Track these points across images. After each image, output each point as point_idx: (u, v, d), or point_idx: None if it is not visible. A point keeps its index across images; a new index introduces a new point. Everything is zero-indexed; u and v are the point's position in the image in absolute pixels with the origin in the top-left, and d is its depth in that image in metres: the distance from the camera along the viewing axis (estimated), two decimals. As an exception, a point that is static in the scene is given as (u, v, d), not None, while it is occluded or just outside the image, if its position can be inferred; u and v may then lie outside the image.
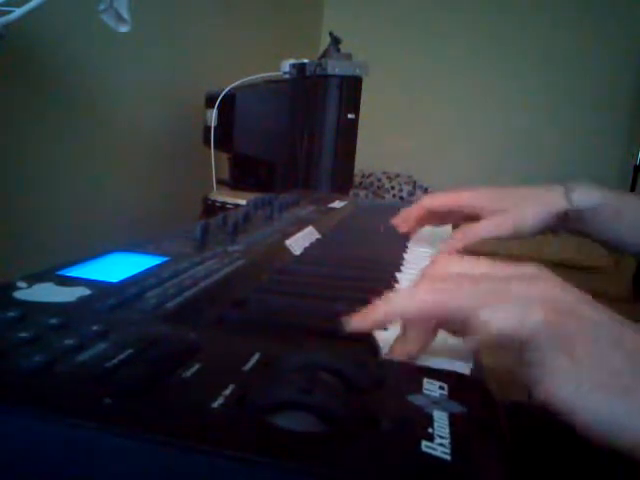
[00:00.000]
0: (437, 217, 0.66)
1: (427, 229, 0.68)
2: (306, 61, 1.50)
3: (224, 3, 1.95)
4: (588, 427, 0.24)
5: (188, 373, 0.22)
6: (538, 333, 0.25)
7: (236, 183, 1.61)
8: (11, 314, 0.26)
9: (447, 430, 0.19)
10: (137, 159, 1.57)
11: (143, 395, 0.19)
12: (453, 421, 0.20)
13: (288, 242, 0.53)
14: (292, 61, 1.54)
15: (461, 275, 0.30)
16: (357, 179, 2.58)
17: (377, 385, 0.22)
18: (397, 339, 0.31)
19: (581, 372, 0.25)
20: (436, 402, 0.21)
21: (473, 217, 0.61)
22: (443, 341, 0.34)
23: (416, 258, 0.56)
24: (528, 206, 0.59)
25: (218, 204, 1.37)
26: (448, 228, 0.71)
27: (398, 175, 2.61)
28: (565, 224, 0.59)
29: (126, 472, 0.18)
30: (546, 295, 0.27)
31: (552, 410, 0.25)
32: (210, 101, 1.52)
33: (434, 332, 0.30)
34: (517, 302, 0.27)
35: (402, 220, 0.66)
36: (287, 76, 1.55)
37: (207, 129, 1.52)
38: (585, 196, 0.58)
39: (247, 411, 0.19)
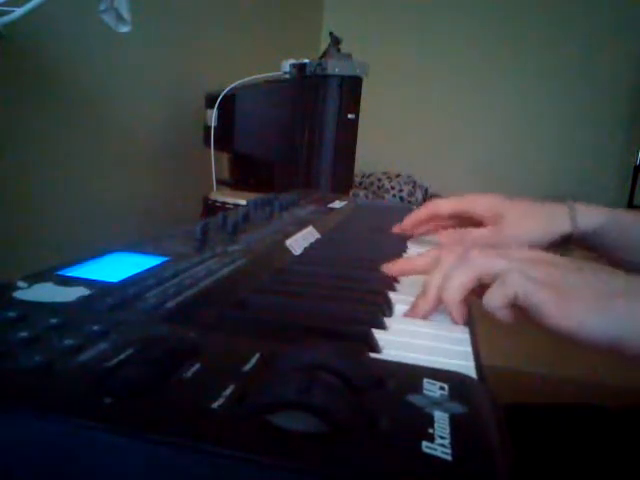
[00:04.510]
0: (444, 222, 0.66)
1: None
2: (306, 61, 1.50)
3: (224, 3, 1.95)
4: (586, 338, 0.33)
5: (188, 373, 0.22)
6: (521, 296, 0.35)
7: (236, 183, 1.61)
8: (11, 314, 0.26)
9: (448, 431, 0.19)
10: (137, 159, 1.57)
11: (143, 395, 0.19)
12: (454, 422, 0.20)
13: (288, 242, 0.53)
14: (292, 61, 1.54)
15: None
16: (357, 179, 2.58)
17: (377, 385, 0.22)
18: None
19: (569, 303, 0.34)
20: (436, 402, 0.21)
21: (478, 225, 0.61)
22: (444, 342, 0.34)
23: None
24: (530, 226, 0.59)
25: (218, 204, 1.37)
26: None
27: (398, 175, 2.62)
28: (569, 244, 0.59)
29: (126, 472, 0.18)
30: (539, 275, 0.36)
31: (562, 333, 0.34)
32: (210, 101, 1.51)
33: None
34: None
35: (409, 223, 0.66)
36: (287, 76, 1.55)
37: (207, 129, 1.52)
38: (589, 217, 0.57)
39: (247, 411, 0.19)
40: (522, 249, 0.41)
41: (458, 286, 0.37)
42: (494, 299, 0.36)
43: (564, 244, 0.59)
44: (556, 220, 0.58)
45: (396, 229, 0.66)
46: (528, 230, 0.58)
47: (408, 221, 0.66)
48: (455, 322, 0.37)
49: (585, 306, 0.34)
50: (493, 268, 0.37)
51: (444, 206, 0.63)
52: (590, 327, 0.33)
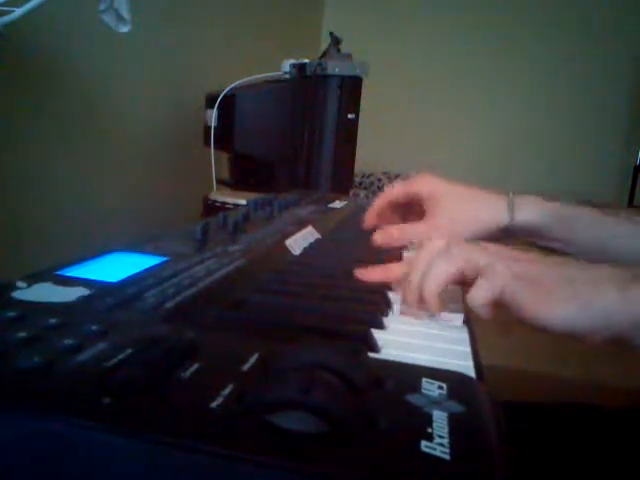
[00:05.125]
0: (399, 210, 0.64)
1: None
2: (306, 61, 1.50)
3: (224, 3, 1.95)
4: (559, 329, 0.35)
5: (187, 373, 0.22)
6: (508, 293, 0.36)
7: (236, 183, 1.61)
8: (10, 314, 0.26)
9: (446, 430, 0.19)
10: (137, 159, 1.57)
11: (142, 395, 0.19)
12: (452, 421, 0.20)
13: (288, 242, 0.53)
14: (292, 61, 1.54)
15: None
16: (357, 179, 2.58)
17: (376, 385, 0.22)
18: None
19: (544, 297, 0.35)
20: (435, 402, 0.21)
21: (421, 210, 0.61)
22: (443, 341, 0.34)
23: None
24: (467, 214, 0.58)
25: (218, 204, 1.37)
26: None
27: (398, 175, 2.61)
28: (507, 236, 0.58)
29: (125, 471, 0.18)
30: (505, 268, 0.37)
31: (539, 328, 0.35)
32: (210, 101, 1.51)
33: None
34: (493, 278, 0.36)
35: (370, 220, 0.64)
36: (287, 76, 1.55)
37: (207, 129, 1.52)
38: (528, 212, 0.57)
39: (246, 411, 0.19)
40: (497, 246, 0.42)
41: (440, 274, 0.38)
42: (480, 295, 0.36)
43: (502, 236, 0.58)
44: (493, 211, 0.57)
45: (364, 226, 0.64)
46: (465, 218, 0.58)
47: (369, 218, 0.64)
48: (431, 312, 0.38)
49: (565, 300, 0.35)
50: (477, 261, 0.38)
51: (394, 193, 0.62)
52: (569, 320, 0.35)
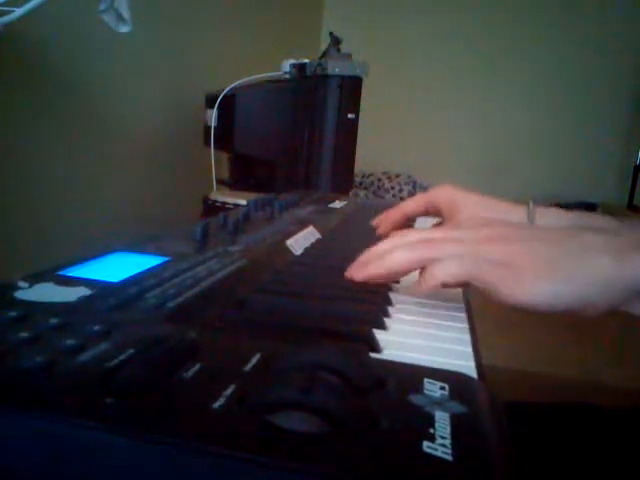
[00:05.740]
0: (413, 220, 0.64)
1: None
2: (306, 61, 1.50)
3: (224, 3, 1.95)
4: (542, 308, 0.34)
5: (189, 373, 0.22)
6: (478, 278, 0.36)
7: (236, 183, 1.62)
8: (12, 314, 0.26)
9: (448, 430, 0.19)
10: (137, 159, 1.57)
11: (144, 395, 0.19)
12: (454, 421, 0.20)
13: (289, 242, 0.53)
14: (292, 61, 1.54)
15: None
16: (357, 179, 2.58)
17: (378, 385, 0.22)
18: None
19: (520, 275, 0.35)
20: (437, 402, 0.21)
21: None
22: (444, 342, 0.34)
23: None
24: None
25: (218, 204, 1.37)
26: None
27: (398, 175, 2.62)
28: None
29: (127, 472, 0.18)
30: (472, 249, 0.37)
31: (518, 308, 0.35)
32: (210, 101, 1.52)
33: None
34: (452, 257, 0.37)
35: (381, 222, 0.64)
36: (287, 76, 1.55)
37: (207, 129, 1.52)
38: (549, 220, 0.57)
39: (248, 411, 0.19)
40: (475, 226, 0.41)
41: (401, 259, 0.39)
42: (444, 273, 0.36)
43: None
44: (511, 217, 0.58)
45: (378, 233, 0.64)
46: None
47: (382, 227, 0.63)
48: (347, 274, 0.41)
49: (538, 277, 0.35)
50: (442, 253, 0.38)
51: (412, 208, 0.62)
52: (550, 297, 0.34)
